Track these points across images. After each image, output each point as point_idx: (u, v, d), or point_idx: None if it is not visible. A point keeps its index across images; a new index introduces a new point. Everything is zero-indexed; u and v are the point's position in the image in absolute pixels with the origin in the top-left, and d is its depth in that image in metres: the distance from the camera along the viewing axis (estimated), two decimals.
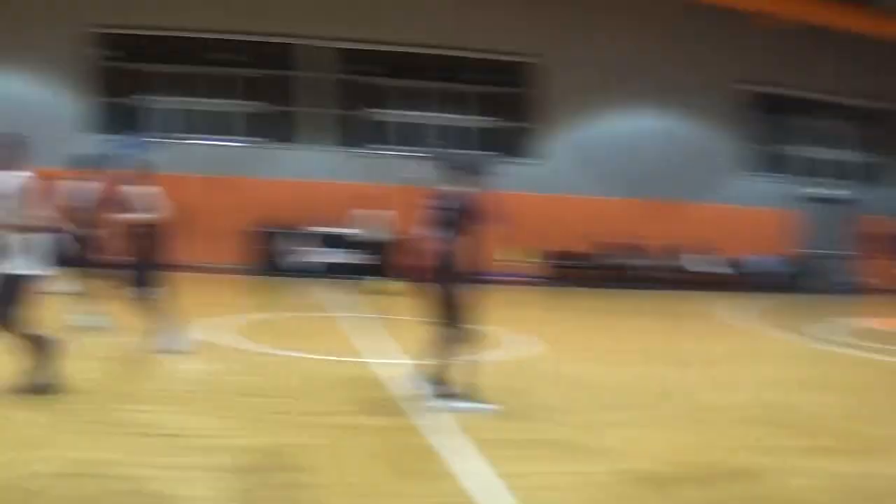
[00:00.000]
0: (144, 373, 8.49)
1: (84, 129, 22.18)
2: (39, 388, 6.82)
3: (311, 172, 22.76)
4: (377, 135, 23.70)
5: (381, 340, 11.49)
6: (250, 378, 8.30)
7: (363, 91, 23.71)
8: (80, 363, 8.07)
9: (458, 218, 7.25)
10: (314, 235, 21.23)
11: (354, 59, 23.50)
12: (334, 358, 9.60)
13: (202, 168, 22.04)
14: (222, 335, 10.82)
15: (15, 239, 6.54)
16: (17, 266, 6.56)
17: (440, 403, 7.07)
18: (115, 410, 6.65)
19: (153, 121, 21.96)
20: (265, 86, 23.40)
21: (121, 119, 22.78)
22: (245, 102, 23.23)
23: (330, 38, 22.97)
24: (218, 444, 5.83)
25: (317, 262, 19.96)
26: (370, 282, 17.97)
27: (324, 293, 17.91)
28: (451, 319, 7.02)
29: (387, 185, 20.33)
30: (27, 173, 6.85)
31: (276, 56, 23.45)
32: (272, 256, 20.66)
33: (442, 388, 7.17)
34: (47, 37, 22.05)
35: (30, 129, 21.80)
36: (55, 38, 22.13)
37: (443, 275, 7.15)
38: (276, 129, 23.36)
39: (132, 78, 23.10)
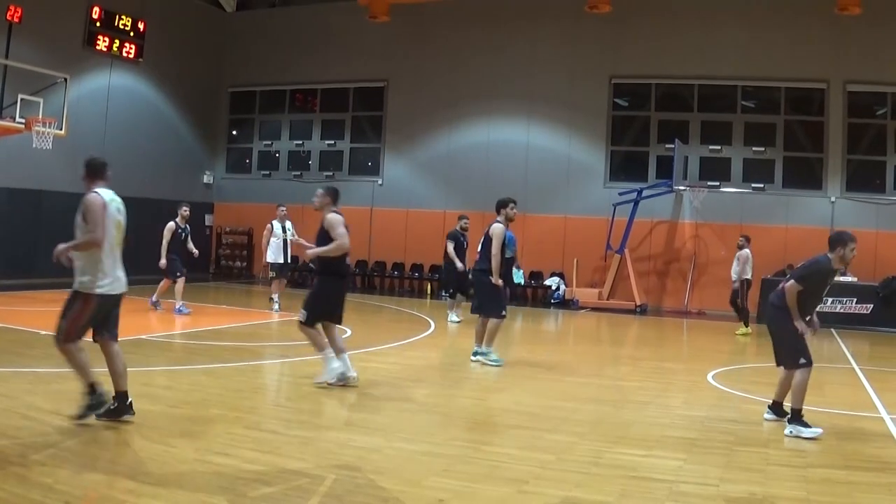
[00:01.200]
0: (641, 415, 8.90)
1: (607, 177, 24.57)
2: None
3: (819, 220, 22.11)
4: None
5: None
6: (752, 428, 8.38)
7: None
8: (572, 404, 9.12)
9: None
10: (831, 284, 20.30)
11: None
12: (843, 411, 9.34)
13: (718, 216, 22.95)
14: (728, 382, 10.97)
15: None
16: None
17: None
18: (609, 452, 7.16)
19: (678, 168, 22.57)
20: (792, 132, 23.28)
21: (638, 167, 24.49)
22: (757, 148, 23.31)
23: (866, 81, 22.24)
24: (708, 492, 6.09)
25: (829, 311, 19.31)
26: None
27: (837, 342, 17.02)
28: None
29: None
30: None
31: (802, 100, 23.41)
32: None
33: None
34: (577, 89, 24.60)
35: (562, 177, 24.21)
36: (583, 91, 24.59)
37: None
38: (801, 175, 23.10)
39: (643, 126, 24.70)
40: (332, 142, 28.16)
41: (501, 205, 12.25)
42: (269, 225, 18.10)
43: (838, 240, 8.69)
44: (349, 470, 6.19)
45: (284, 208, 18.49)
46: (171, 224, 16.89)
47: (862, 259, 20.91)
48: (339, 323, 9.85)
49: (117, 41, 24.11)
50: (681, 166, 22.60)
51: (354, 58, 27.16)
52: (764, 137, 23.18)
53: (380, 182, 27.01)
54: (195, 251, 17.47)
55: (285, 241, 17.82)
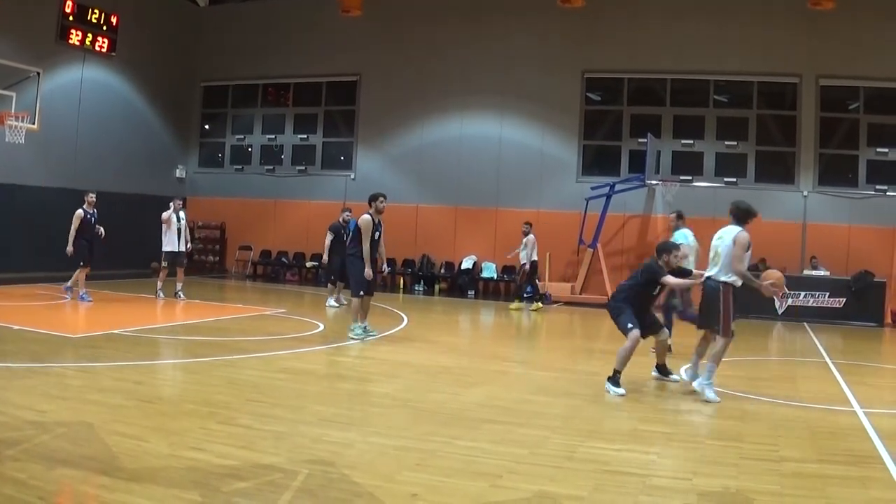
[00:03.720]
0: (614, 409, 9.00)
1: (580, 171, 24.66)
2: None
3: (792, 214, 22.53)
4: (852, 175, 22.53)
5: (874, 388, 11.15)
6: (725, 422, 8.40)
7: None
8: (545, 398, 9.04)
9: None
10: (802, 278, 20.80)
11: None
12: (816, 405, 9.40)
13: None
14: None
15: None
16: None
17: None
18: (582, 446, 7.17)
19: (651, 162, 22.69)
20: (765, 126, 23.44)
21: (611, 162, 24.54)
22: (730, 143, 23.44)
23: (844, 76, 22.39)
24: (682, 486, 6.10)
25: (802, 305, 20.28)
26: None
27: (809, 336, 17.27)
28: None
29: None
30: None
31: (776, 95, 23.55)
32: (753, 298, 20.41)
33: None
34: (550, 84, 24.68)
35: (535, 172, 24.17)
36: (555, 85, 24.66)
37: None
38: (774, 169, 23.28)
39: (616, 120, 24.76)
40: (305, 136, 28.07)
41: (372, 198, 13.57)
42: (166, 213, 18.61)
43: (664, 249, 10.34)
44: (322, 465, 6.17)
45: (180, 201, 19.42)
46: (80, 211, 17.24)
47: (834, 253, 21.25)
48: None
49: (90, 35, 23.87)
50: (653, 160, 22.69)
51: (327, 52, 27.09)
52: (736, 132, 23.32)
53: (352, 176, 26.94)
54: (101, 233, 17.56)
55: (179, 230, 18.52)
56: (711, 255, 9.81)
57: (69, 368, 9.50)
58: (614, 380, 9.74)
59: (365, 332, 13.57)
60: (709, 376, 9.41)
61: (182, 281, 18.67)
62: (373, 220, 13.31)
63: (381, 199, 13.56)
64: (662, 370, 10.71)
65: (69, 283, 17.24)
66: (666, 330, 10.74)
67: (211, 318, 15.53)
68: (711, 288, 9.68)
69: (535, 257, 20.64)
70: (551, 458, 6.71)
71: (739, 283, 9.58)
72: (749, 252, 9.56)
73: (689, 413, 8.80)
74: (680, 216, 15.27)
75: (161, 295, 18.19)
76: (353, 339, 13.24)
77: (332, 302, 18.75)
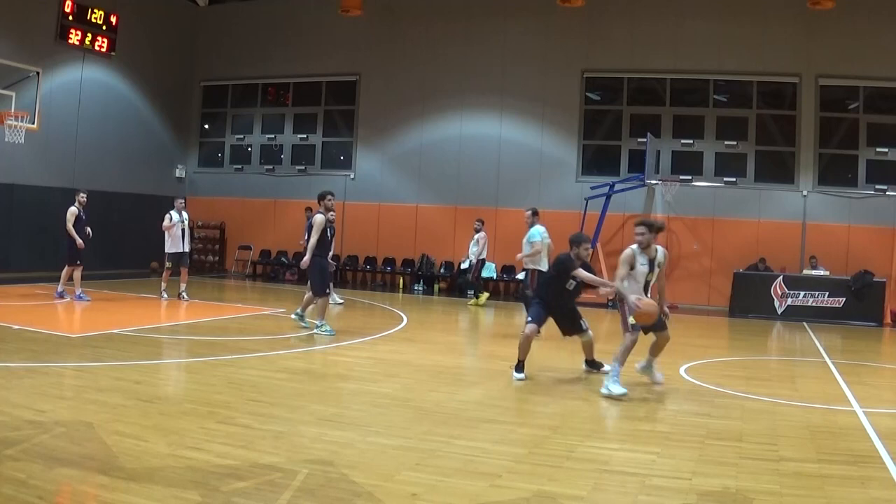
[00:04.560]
0: (613, 409, 8.96)
1: (579, 171, 24.60)
2: None
3: (791, 214, 22.51)
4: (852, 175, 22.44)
5: (874, 388, 11.11)
6: (724, 421, 8.39)
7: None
8: (544, 398, 9.09)
9: None
10: (801, 278, 20.90)
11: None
12: (816, 405, 9.40)
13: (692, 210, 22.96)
14: (700, 376, 11.00)
15: None
16: None
17: None
18: (581, 445, 7.17)
19: (650, 162, 22.57)
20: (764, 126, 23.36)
21: (610, 161, 24.48)
22: (731, 143, 23.32)
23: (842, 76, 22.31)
24: (681, 486, 6.09)
25: (802, 304, 20.40)
26: None
27: (809, 336, 17.23)
28: None
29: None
30: None
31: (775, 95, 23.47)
32: (753, 298, 20.82)
33: None
34: (549, 83, 24.67)
35: (534, 171, 24.16)
36: (555, 85, 24.63)
37: None
38: (773, 169, 23.18)
39: (616, 120, 24.68)
40: (305, 136, 28.02)
41: (320, 197, 14.05)
42: (168, 215, 18.61)
43: (574, 241, 10.75)
44: (322, 464, 6.18)
45: (182, 201, 19.61)
46: (74, 209, 17.33)
47: (834, 253, 21.27)
48: None
49: (90, 35, 23.86)
50: (653, 160, 22.64)
51: (326, 52, 27.08)
52: (736, 131, 23.27)
53: (352, 176, 26.91)
54: (89, 234, 17.51)
55: (183, 230, 18.55)
56: None
57: (69, 368, 9.51)
58: (517, 367, 10.37)
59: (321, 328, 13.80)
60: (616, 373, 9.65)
61: (186, 281, 18.58)
62: (325, 217, 13.78)
63: (330, 196, 14.04)
64: (592, 364, 11.13)
65: (60, 288, 17.17)
66: (590, 333, 11.10)
67: (210, 318, 15.54)
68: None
69: (483, 255, 21.36)
70: (550, 457, 6.72)
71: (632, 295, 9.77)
72: (634, 269, 9.80)
73: (688, 413, 8.77)
74: (534, 213, 16.01)
75: (165, 296, 18.13)
76: (321, 333, 13.40)
77: (336, 299, 18.80)
